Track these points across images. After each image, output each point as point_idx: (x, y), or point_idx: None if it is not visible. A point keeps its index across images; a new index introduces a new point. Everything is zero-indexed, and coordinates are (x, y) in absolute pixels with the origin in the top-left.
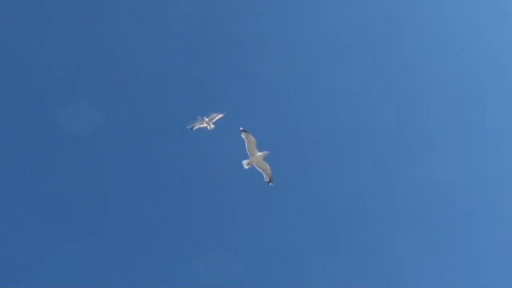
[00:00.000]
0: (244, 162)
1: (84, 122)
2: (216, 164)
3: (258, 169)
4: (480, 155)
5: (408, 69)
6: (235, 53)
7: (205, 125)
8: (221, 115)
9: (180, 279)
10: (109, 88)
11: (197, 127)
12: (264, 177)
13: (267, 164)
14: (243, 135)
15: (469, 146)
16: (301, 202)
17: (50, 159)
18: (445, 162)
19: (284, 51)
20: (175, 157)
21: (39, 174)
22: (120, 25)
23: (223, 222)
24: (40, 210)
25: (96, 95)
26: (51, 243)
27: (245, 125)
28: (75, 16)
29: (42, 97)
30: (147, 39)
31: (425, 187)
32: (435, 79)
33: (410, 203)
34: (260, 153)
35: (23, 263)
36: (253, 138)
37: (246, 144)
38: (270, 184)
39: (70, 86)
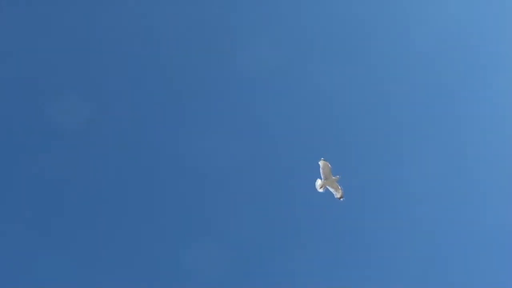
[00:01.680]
0: (318, 184)
1: (74, 116)
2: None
3: (330, 189)
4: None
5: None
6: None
7: None
8: None
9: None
10: (99, 82)
11: None
12: (335, 195)
13: (339, 185)
14: (321, 163)
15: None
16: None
17: (39, 153)
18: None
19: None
20: (164, 151)
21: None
22: (108, 19)
23: (214, 217)
24: (29, 206)
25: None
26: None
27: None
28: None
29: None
30: (136, 34)
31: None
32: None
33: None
34: (334, 177)
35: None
36: (329, 165)
37: (321, 170)
38: (341, 200)
39: (59, 79)
